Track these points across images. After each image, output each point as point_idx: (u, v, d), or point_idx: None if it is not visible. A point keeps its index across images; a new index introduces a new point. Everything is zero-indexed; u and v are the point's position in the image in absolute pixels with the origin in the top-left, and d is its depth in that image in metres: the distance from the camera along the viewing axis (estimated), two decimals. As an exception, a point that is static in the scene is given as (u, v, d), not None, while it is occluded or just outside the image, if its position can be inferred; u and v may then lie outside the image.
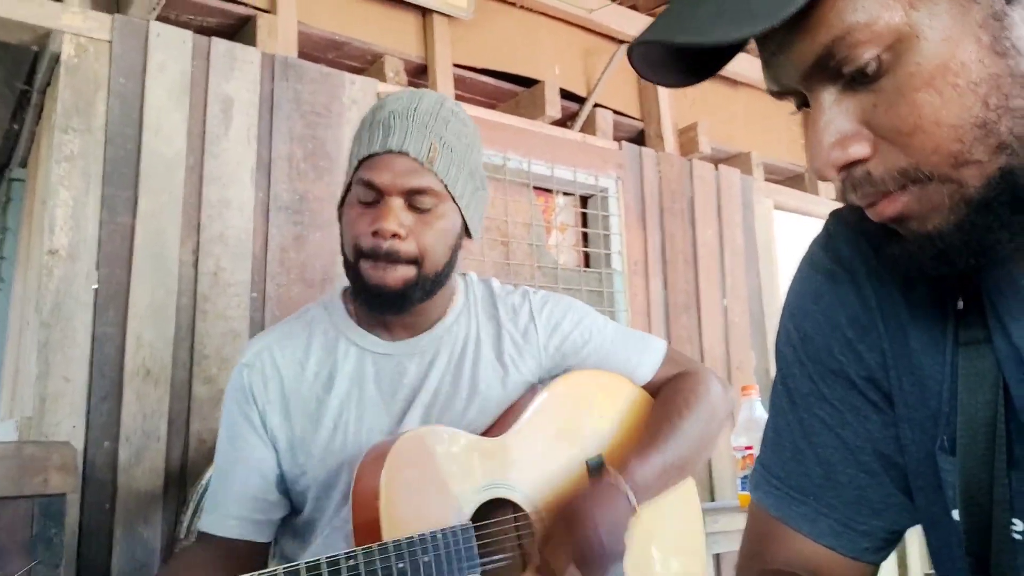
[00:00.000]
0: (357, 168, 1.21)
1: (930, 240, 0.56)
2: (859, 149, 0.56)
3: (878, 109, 0.55)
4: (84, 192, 1.71)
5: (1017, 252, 0.57)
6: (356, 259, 1.20)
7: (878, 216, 0.58)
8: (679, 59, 0.60)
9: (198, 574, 1.18)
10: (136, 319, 1.72)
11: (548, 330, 1.32)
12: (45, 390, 1.61)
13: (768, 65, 0.59)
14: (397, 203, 1.17)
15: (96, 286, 1.69)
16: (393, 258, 1.17)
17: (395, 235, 1.16)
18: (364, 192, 1.19)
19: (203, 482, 1.63)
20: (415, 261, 1.19)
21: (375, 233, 1.17)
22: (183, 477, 1.71)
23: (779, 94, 0.61)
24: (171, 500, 1.69)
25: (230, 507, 1.22)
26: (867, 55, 0.53)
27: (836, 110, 0.56)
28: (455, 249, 1.24)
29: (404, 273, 1.18)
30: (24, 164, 2.41)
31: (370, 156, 1.19)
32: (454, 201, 1.22)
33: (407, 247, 1.18)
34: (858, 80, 0.55)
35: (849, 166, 0.57)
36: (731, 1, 0.53)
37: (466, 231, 1.26)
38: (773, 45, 0.58)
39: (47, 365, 1.62)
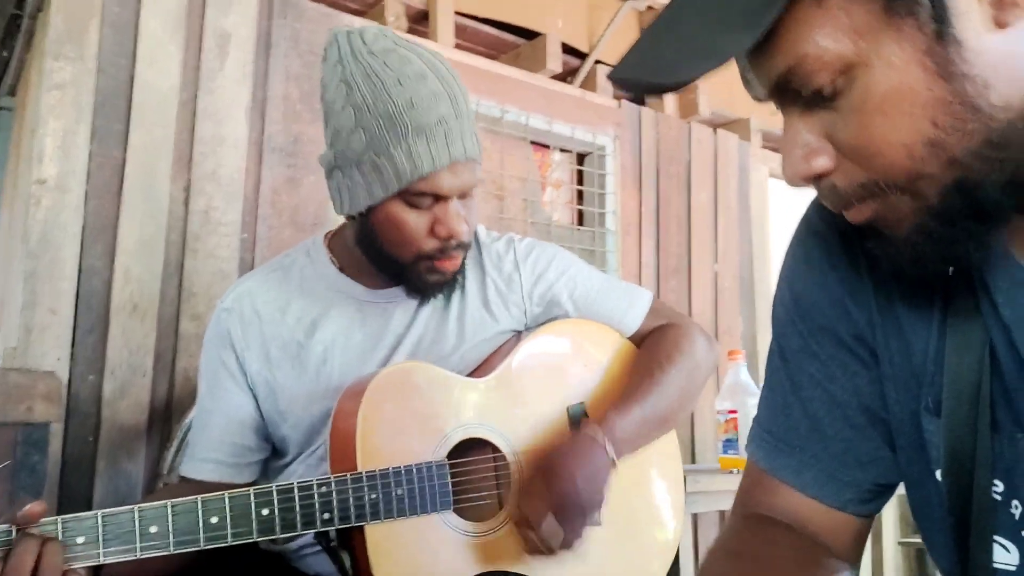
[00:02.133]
0: (411, 181, 1.12)
1: (905, 246, 0.60)
2: (822, 162, 0.60)
3: (837, 127, 0.58)
4: (74, 122, 1.69)
5: (1004, 226, 0.60)
6: (414, 262, 1.18)
7: (852, 221, 0.62)
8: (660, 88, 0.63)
9: None
10: (124, 254, 1.71)
11: (533, 278, 1.31)
12: (31, 321, 1.60)
13: (743, 77, 0.64)
14: (457, 203, 1.17)
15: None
16: (460, 249, 1.19)
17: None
18: (420, 200, 1.14)
19: (188, 420, 1.63)
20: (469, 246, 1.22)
21: (448, 238, 1.16)
22: (168, 413, 1.72)
23: (759, 100, 0.65)
24: (155, 435, 1.70)
25: (208, 452, 1.22)
26: (821, 80, 0.57)
27: (802, 125, 0.60)
28: None
29: (461, 261, 1.22)
30: (13, 92, 2.37)
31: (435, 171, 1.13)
32: None
33: (469, 236, 1.20)
34: (818, 99, 0.58)
35: (816, 178, 0.61)
36: (690, 37, 0.58)
37: None
38: (744, 63, 0.62)
39: (33, 296, 1.61)
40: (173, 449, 1.64)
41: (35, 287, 1.61)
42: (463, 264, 1.23)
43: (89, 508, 1.60)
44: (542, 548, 1.09)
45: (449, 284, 1.23)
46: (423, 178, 1.12)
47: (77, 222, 1.67)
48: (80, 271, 1.66)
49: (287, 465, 1.25)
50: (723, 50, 0.56)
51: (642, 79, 0.60)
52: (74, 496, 1.60)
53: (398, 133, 1.10)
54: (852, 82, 0.56)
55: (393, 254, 1.18)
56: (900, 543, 2.90)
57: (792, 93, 0.59)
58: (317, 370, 1.22)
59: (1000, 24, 0.54)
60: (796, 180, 0.61)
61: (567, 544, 1.10)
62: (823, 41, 0.55)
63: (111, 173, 1.72)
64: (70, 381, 1.62)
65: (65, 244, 1.65)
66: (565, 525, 1.09)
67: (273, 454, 1.29)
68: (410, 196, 1.14)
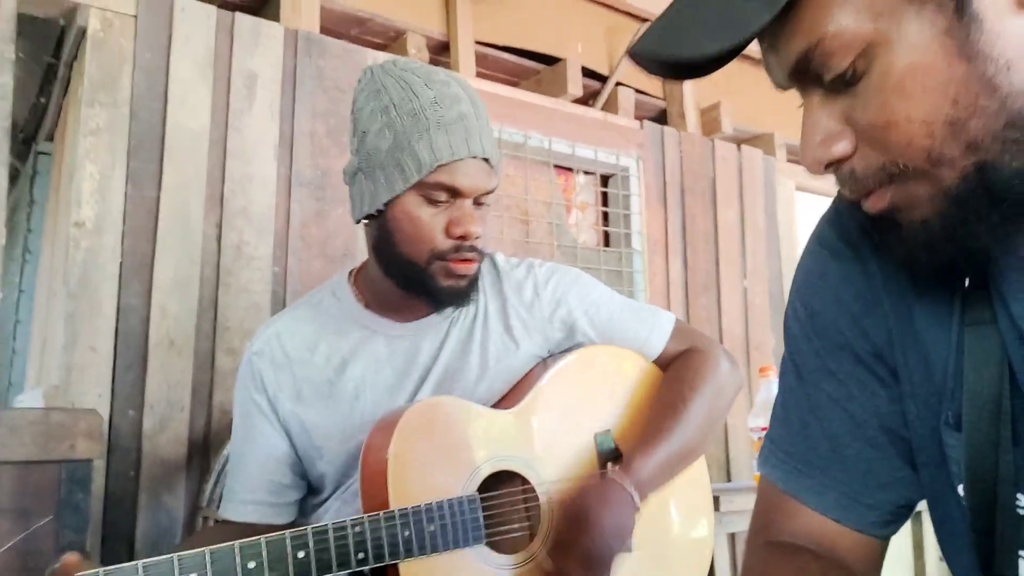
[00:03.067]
0: (431, 171, 1.15)
1: (920, 229, 0.59)
2: (841, 147, 0.60)
3: (856, 110, 0.58)
4: (110, 165, 1.74)
5: (1018, 233, 0.59)
6: (428, 262, 1.19)
7: (870, 209, 0.62)
8: (675, 63, 0.63)
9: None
10: (160, 291, 1.75)
11: (553, 303, 1.31)
12: (71, 360, 1.64)
13: (765, 62, 0.63)
14: (472, 204, 1.19)
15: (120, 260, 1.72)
16: (475, 253, 1.20)
17: (478, 236, 1.19)
18: (436, 193, 1.16)
19: (225, 452, 1.66)
20: (483, 255, 1.23)
21: (461, 237, 1.17)
22: (206, 446, 1.75)
23: (780, 87, 0.64)
24: (194, 469, 1.73)
25: (246, 493, 1.24)
26: (843, 63, 0.56)
27: (821, 111, 0.60)
28: None
29: (476, 269, 1.22)
30: (51, 138, 2.45)
31: (453, 161, 1.16)
32: None
33: (483, 243, 1.21)
34: (839, 84, 0.58)
35: (836, 164, 0.61)
36: (708, 13, 0.57)
37: None
38: (764, 44, 0.61)
39: (74, 335, 1.65)
40: (212, 481, 1.67)
41: (75, 327, 1.66)
42: (477, 278, 1.24)
43: (131, 543, 1.63)
44: None
45: (464, 295, 1.23)
46: (442, 166, 1.14)
47: (115, 262, 1.72)
48: (118, 309, 1.71)
49: (324, 501, 1.27)
50: (743, 26, 0.56)
51: (661, 53, 0.59)
52: (117, 532, 1.63)
53: (420, 127, 1.15)
54: (872, 63, 0.56)
55: (408, 254, 1.19)
56: (942, 559, 2.84)
57: (812, 77, 0.59)
58: (350, 406, 1.24)
59: (1022, 6, 0.54)
60: (815, 167, 0.61)
61: None
62: (843, 20, 0.55)
63: (146, 213, 1.77)
64: (111, 417, 1.66)
65: (103, 284, 1.70)
66: (592, 573, 1.11)
67: (309, 492, 1.30)
68: (427, 189, 1.16)
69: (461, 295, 1.23)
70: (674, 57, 0.59)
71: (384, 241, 1.21)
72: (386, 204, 1.18)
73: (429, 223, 1.17)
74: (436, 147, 1.14)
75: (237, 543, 1.00)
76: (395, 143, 1.16)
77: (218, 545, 1.00)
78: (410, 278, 1.21)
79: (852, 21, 0.55)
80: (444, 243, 1.17)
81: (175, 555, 0.97)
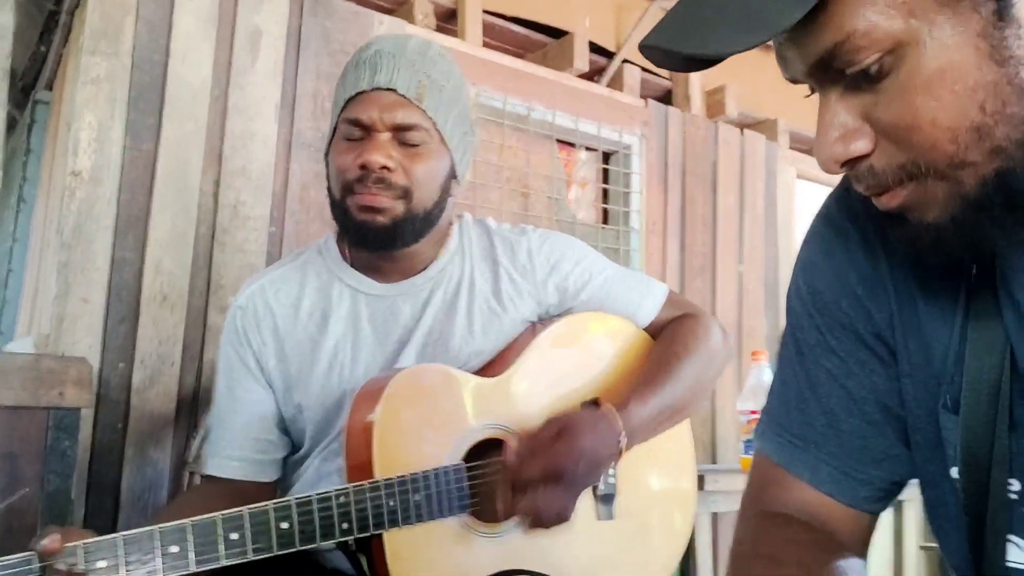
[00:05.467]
0: (343, 109, 1.19)
1: (929, 230, 0.59)
2: (861, 145, 0.58)
3: (879, 107, 0.57)
4: (109, 116, 1.72)
5: None
6: (343, 196, 1.19)
7: (882, 207, 0.61)
8: (691, 57, 0.61)
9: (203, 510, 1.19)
10: (155, 245, 1.74)
11: (547, 268, 1.30)
12: (63, 310, 1.63)
13: (779, 55, 0.61)
14: (385, 137, 1.17)
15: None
16: (381, 185, 1.16)
17: (384, 167, 1.15)
18: (350, 130, 1.18)
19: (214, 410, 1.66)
20: (404, 195, 1.18)
21: (363, 166, 1.15)
22: (195, 402, 1.75)
23: (792, 80, 0.63)
24: (182, 424, 1.73)
25: (232, 449, 1.23)
26: (869, 59, 0.55)
27: (840, 107, 0.58)
28: (445, 190, 1.23)
29: (393, 205, 1.17)
30: (50, 87, 2.42)
31: (357, 95, 1.18)
32: (443, 143, 1.21)
33: (396, 178, 1.17)
34: (861, 80, 0.57)
35: (852, 161, 0.59)
36: (733, 6, 0.55)
37: (453, 174, 1.25)
38: (783, 38, 0.60)
39: (66, 285, 1.64)
40: (199, 438, 1.67)
41: (68, 277, 1.65)
42: (408, 220, 1.18)
43: (117, 495, 1.63)
44: (528, 513, 1.07)
45: (384, 234, 1.18)
46: (350, 101, 1.18)
47: (110, 214, 1.70)
48: (112, 262, 1.70)
49: (304, 458, 1.27)
50: (770, 23, 0.54)
51: (684, 49, 0.57)
52: (103, 483, 1.63)
53: (347, 68, 1.21)
54: (900, 61, 0.55)
55: (333, 195, 1.21)
56: (922, 547, 2.87)
57: (834, 72, 0.57)
58: (330, 363, 1.23)
59: None
60: (831, 164, 0.60)
61: (553, 518, 1.08)
62: (874, 16, 0.54)
63: (143, 166, 1.75)
64: (101, 369, 1.65)
65: (98, 235, 1.69)
66: (553, 495, 1.06)
67: (291, 449, 1.30)
68: (343, 126, 1.19)
69: (381, 234, 1.18)
70: (700, 54, 0.56)
71: (328, 191, 1.24)
72: (327, 154, 1.24)
73: (343, 157, 1.19)
74: (346, 84, 1.20)
75: (219, 515, 0.99)
76: (334, 96, 1.23)
77: (199, 517, 0.98)
78: (338, 219, 1.23)
79: (883, 18, 0.54)
80: (351, 174, 1.17)
81: (156, 527, 0.96)
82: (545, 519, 1.08)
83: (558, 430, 1.08)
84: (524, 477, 1.05)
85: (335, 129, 1.22)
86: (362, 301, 1.26)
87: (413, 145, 1.18)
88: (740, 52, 0.55)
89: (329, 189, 1.23)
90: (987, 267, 0.64)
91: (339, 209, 1.20)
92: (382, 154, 1.15)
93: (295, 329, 1.25)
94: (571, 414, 1.12)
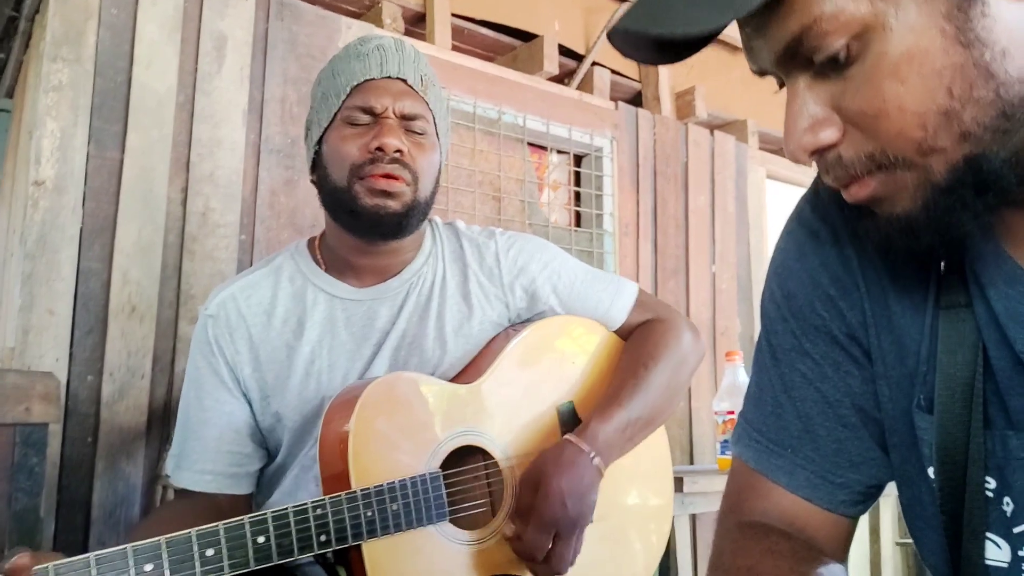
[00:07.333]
0: (348, 96, 1.19)
1: (898, 219, 0.59)
2: (829, 134, 0.58)
3: (847, 95, 0.57)
4: (72, 124, 1.69)
5: (998, 221, 0.60)
6: (351, 181, 1.17)
7: (851, 198, 0.61)
8: (659, 42, 0.61)
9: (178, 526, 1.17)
10: (122, 255, 1.71)
11: (514, 272, 1.30)
12: (28, 322, 1.60)
13: (746, 47, 0.61)
14: (395, 123, 1.19)
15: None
16: (396, 166, 1.17)
17: (398, 150, 1.17)
18: (356, 116, 1.19)
19: (185, 421, 1.63)
20: (414, 181, 1.20)
21: (379, 149, 1.16)
22: (167, 415, 1.71)
23: (760, 73, 0.62)
24: (154, 437, 1.70)
25: (204, 463, 1.20)
26: (836, 44, 0.55)
27: (808, 97, 0.58)
28: (437, 183, 1.26)
29: (405, 190, 1.18)
30: (10, 95, 2.37)
31: (365, 82, 1.19)
32: (438, 137, 1.25)
33: (409, 162, 1.19)
34: (829, 67, 0.56)
35: (821, 150, 0.59)
36: None
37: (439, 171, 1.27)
38: (749, 28, 0.60)
39: (31, 297, 1.61)
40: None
41: (33, 288, 1.61)
42: (415, 207, 1.19)
43: (88, 510, 1.60)
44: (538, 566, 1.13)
45: (395, 221, 1.19)
46: (356, 88, 1.19)
47: (75, 224, 1.67)
48: (78, 272, 1.66)
49: (282, 467, 1.25)
50: (737, 3, 0.53)
51: (651, 30, 0.56)
52: (73, 499, 1.60)
53: (342, 64, 1.22)
54: (866, 46, 0.55)
55: (336, 180, 1.19)
56: (898, 543, 2.90)
57: (801, 60, 0.57)
58: (307, 370, 1.22)
59: None
60: (799, 154, 0.59)
61: (568, 560, 1.12)
62: (840, 0, 0.54)
63: (108, 175, 1.72)
64: (69, 382, 1.62)
65: (63, 246, 1.65)
66: (561, 543, 1.11)
67: (269, 458, 1.28)
68: (347, 112, 1.19)
69: (391, 220, 1.19)
70: (668, 34, 0.56)
71: (323, 180, 1.22)
72: (320, 142, 1.22)
73: (350, 142, 1.18)
74: (352, 72, 1.20)
75: (194, 531, 0.97)
76: (324, 88, 1.23)
77: (174, 534, 0.96)
78: (341, 205, 1.20)
79: (850, 2, 0.54)
80: (361, 157, 1.17)
81: (129, 546, 0.94)
82: (566, 567, 1.13)
83: (533, 485, 1.12)
84: (530, 549, 1.10)
85: (334, 118, 1.20)
86: (338, 306, 1.25)
87: (418, 134, 1.21)
88: (708, 33, 0.55)
89: (325, 178, 1.21)
90: (956, 258, 0.64)
91: (345, 195, 1.18)
92: (397, 138, 1.17)
93: (269, 336, 1.22)
94: (537, 461, 1.15)
